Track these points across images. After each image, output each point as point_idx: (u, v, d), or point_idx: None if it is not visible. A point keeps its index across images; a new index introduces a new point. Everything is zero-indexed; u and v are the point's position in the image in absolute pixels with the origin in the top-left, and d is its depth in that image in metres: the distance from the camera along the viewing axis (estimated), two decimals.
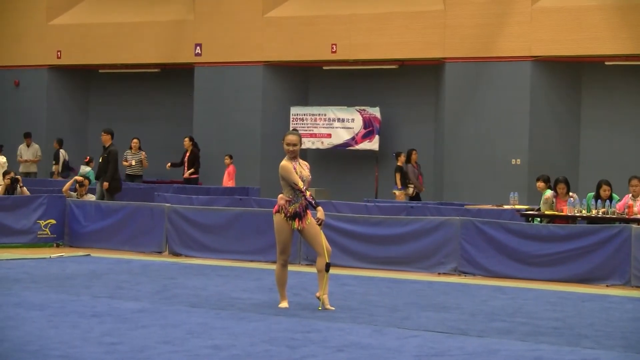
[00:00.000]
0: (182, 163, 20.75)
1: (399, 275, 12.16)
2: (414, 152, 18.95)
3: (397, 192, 18.70)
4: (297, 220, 9.05)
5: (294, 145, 9.11)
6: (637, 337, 8.34)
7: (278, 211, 9.09)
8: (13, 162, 21.56)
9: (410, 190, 18.61)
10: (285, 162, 9.09)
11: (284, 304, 9.20)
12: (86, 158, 19.65)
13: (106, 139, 16.49)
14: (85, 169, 19.20)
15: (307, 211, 9.12)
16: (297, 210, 9.05)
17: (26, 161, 22.20)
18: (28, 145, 22.27)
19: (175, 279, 11.30)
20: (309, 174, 9.20)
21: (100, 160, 16.44)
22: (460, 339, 7.90)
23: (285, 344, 7.49)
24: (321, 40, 20.96)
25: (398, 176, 18.66)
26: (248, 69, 21.60)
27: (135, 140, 20.63)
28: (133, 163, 20.37)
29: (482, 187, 19.06)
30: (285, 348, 7.35)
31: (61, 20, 23.90)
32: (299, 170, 9.10)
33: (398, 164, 18.86)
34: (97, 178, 16.71)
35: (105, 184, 16.08)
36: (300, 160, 9.20)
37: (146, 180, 20.90)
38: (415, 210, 14.94)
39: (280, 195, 9.13)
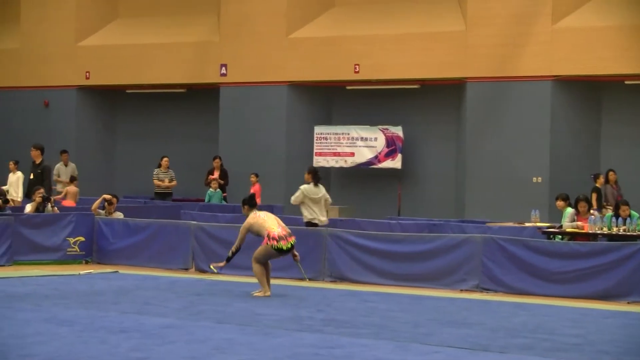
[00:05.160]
0: (209, 181, 20.86)
1: (422, 292, 12.24)
2: (611, 172, 17.82)
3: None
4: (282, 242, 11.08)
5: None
6: None
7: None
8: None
9: (608, 211, 16.20)
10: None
11: (263, 293, 10.56)
12: (214, 183, 19.97)
13: (36, 155, 15.94)
14: (210, 192, 19.70)
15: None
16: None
17: (64, 182, 19.86)
18: (65, 165, 20.51)
19: (202, 296, 11.43)
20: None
21: (32, 177, 15.81)
22: (482, 355, 7.98)
23: None
24: (344, 61, 21.12)
25: (594, 196, 16.85)
26: (272, 89, 21.79)
27: (165, 159, 20.71)
28: (166, 182, 20.41)
29: (504, 205, 19.10)
30: None
31: (89, 42, 24.23)
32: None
33: (596, 185, 17.42)
34: (27, 195, 15.95)
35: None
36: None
37: (173, 198, 21.09)
38: (438, 228, 15.05)
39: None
